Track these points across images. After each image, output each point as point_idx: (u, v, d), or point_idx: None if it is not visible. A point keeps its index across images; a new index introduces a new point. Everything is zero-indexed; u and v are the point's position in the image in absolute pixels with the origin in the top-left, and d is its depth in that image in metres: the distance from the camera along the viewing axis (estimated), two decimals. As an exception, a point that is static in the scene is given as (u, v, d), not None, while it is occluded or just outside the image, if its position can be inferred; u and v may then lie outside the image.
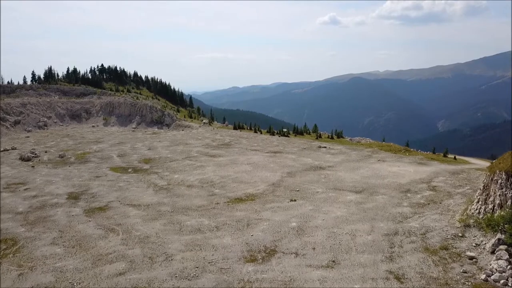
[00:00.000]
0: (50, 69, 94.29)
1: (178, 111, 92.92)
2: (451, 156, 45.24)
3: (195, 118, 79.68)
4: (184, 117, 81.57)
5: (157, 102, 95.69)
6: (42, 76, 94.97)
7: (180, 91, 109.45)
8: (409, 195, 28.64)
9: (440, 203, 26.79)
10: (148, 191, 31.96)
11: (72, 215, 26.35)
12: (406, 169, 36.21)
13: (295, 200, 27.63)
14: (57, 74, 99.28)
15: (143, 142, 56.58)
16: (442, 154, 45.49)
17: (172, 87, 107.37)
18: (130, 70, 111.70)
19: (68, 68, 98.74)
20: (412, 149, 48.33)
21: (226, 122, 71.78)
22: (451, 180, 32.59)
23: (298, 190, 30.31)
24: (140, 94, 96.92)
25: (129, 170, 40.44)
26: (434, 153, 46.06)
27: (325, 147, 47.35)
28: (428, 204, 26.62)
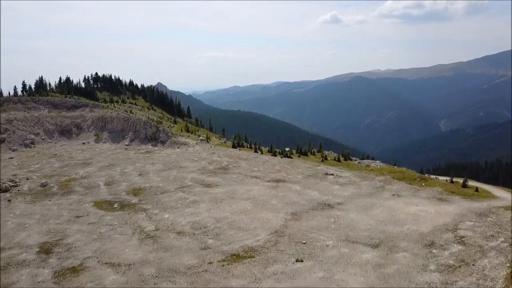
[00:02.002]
0: (41, 80, 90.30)
1: (175, 122, 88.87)
2: (471, 185, 41.05)
3: (192, 132, 75.53)
4: (181, 130, 77.44)
5: (153, 113, 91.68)
6: (33, 86, 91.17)
7: (178, 100, 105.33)
8: (434, 251, 24.45)
9: (473, 264, 22.62)
10: (133, 240, 27.82)
11: (38, 282, 22.26)
12: (426, 209, 31.98)
13: (301, 261, 23.43)
14: (49, 83, 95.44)
15: (135, 165, 52.44)
16: (461, 183, 41.29)
17: (169, 97, 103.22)
18: (125, 78, 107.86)
19: (60, 78, 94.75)
20: (427, 175, 44.13)
21: (224, 139, 67.59)
22: (480, 227, 28.38)
23: (304, 243, 26.13)
24: (135, 104, 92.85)
25: (115, 206, 36.34)
26: (452, 181, 41.82)
27: (332, 175, 43.13)
28: (459, 266, 22.44)
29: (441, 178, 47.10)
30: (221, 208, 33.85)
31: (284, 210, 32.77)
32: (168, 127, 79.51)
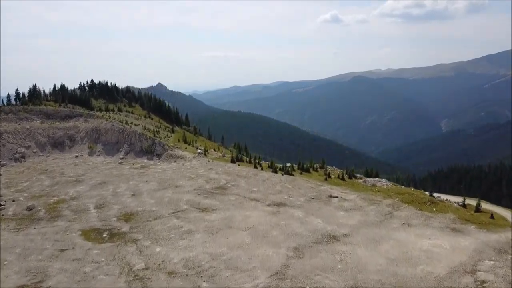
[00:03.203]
0: (34, 88, 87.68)
1: (172, 131, 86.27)
2: (484, 208, 38.46)
3: (190, 143, 72.91)
4: (179, 140, 74.82)
5: (150, 122, 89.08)
6: (27, 93, 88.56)
7: (175, 108, 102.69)
8: (454, 302, 21.89)
9: (500, 321, 20.05)
10: (119, 283, 25.28)
11: None
12: (439, 244, 29.37)
13: (306, 316, 20.90)
14: (44, 91, 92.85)
15: (128, 183, 49.88)
16: (473, 206, 38.72)
17: (167, 104, 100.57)
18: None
19: (54, 86, 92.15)
20: (437, 197, 41.54)
21: (223, 152, 64.95)
22: (501, 267, 25.77)
23: (309, 289, 23.58)
24: (132, 113, 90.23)
25: (104, 235, 33.81)
26: (464, 204, 39.19)
27: (336, 197, 40.56)
28: (484, 323, 19.88)
29: (451, 199, 44.57)
30: (217, 240, 31.28)
31: (285, 243, 30.18)
32: (165, 137, 76.98)
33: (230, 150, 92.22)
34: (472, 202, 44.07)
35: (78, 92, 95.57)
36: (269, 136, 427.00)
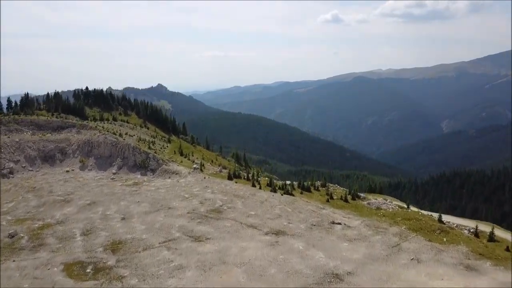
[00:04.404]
0: (27, 96, 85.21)
1: (169, 141, 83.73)
2: (498, 236, 35.78)
3: (186, 156, 70.25)
4: (175, 152, 72.17)
5: (146, 131, 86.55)
6: (18, 102, 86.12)
7: (172, 117, 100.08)
8: None
9: None
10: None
11: None
12: (453, 284, 26.71)
13: None
14: (37, 99, 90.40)
15: (119, 204, 47.28)
16: (487, 234, 36.03)
17: (163, 113, 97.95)
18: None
19: (48, 94, 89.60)
20: (446, 223, 38.85)
21: (220, 168, 62.29)
22: (525, 319, 23.12)
23: None
24: (127, 122, 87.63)
25: (88, 270, 31.21)
26: (476, 233, 36.46)
27: (339, 224, 37.92)
28: None
29: (462, 222, 41.92)
30: (210, 279, 28.62)
31: (284, 283, 27.53)
32: (161, 148, 74.41)
33: (229, 161, 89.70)
34: (484, 226, 41.49)
35: (72, 100, 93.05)
36: (269, 138, 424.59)
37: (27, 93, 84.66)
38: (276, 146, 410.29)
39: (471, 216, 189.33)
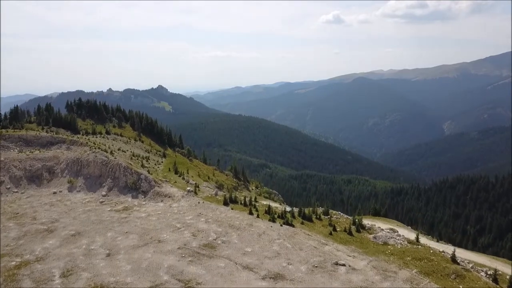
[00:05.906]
0: (16, 109, 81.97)
1: (164, 155, 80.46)
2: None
3: (181, 175, 66.89)
4: (169, 170, 68.90)
5: (140, 145, 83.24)
6: (8, 114, 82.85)
7: (168, 129, 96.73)
8: None
9: None
10: None
11: None
12: None
13: None
14: (27, 111, 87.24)
15: (105, 235, 43.89)
16: (508, 280, 32.64)
17: (159, 125, 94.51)
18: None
19: (39, 106, 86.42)
20: (461, 265, 35.41)
21: (215, 191, 58.89)
22: None
23: None
24: (120, 135, 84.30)
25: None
26: (495, 277, 33.07)
27: (344, 265, 34.49)
28: None
29: (478, 260, 38.51)
30: None
31: None
32: (155, 164, 71.17)
33: (227, 175, 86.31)
34: (502, 264, 38.10)
35: (65, 112, 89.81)
36: (269, 141, 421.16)
37: (17, 105, 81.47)
38: (277, 149, 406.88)
39: (475, 223, 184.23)
